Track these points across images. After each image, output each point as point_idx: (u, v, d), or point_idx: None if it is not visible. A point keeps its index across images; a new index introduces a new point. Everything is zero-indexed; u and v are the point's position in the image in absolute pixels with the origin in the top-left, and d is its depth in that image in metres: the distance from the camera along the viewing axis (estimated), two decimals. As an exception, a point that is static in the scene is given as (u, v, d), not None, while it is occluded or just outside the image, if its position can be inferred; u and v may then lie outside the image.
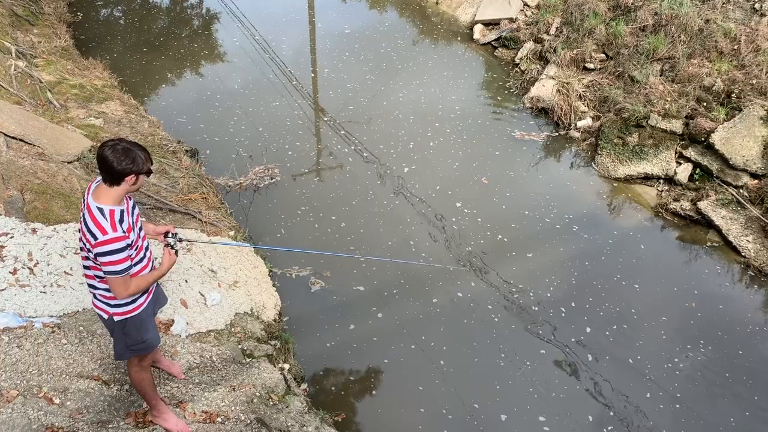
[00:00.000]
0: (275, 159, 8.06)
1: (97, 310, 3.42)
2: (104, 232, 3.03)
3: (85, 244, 3.12)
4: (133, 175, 3.08)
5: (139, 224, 3.36)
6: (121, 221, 3.10)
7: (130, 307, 3.38)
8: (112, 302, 3.33)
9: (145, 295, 3.47)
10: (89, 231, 3.04)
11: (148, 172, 3.18)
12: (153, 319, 3.64)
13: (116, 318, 3.38)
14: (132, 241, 3.18)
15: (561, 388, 5.62)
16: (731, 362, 5.90)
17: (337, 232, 7.10)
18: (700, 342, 6.08)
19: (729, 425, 5.41)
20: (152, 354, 3.75)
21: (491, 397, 5.54)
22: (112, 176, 3.05)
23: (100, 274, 3.20)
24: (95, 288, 3.33)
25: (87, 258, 3.21)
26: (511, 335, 6.07)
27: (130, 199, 3.32)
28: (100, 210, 3.06)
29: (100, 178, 3.12)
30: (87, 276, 3.32)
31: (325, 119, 8.99)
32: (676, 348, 6.02)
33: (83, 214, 3.10)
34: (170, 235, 3.58)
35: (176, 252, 3.55)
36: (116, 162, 3.00)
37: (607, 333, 6.13)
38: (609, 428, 5.33)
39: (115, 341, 3.53)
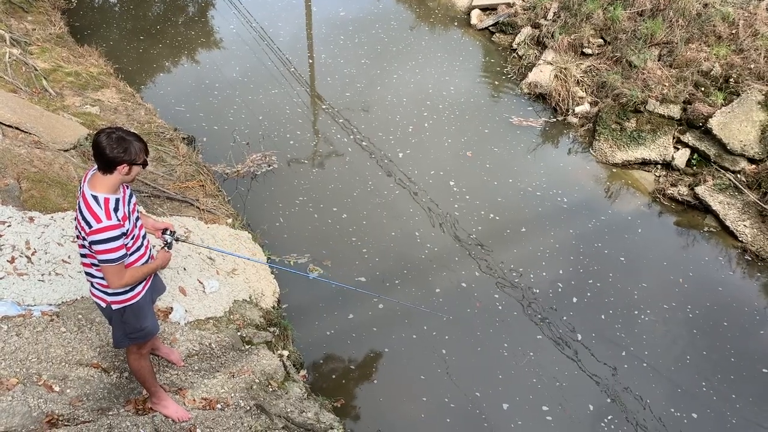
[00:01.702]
0: (274, 147, 8.03)
1: (94, 299, 3.42)
2: (98, 220, 3.02)
3: (80, 233, 3.11)
4: (125, 165, 3.05)
5: (136, 214, 3.35)
6: (116, 210, 3.09)
7: (128, 296, 3.38)
8: (110, 290, 3.32)
9: (143, 283, 3.47)
10: (84, 219, 3.04)
11: (144, 164, 3.15)
12: (151, 307, 3.64)
13: (114, 306, 3.38)
14: (127, 230, 3.17)
15: (563, 376, 5.63)
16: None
17: (338, 222, 7.07)
18: (702, 332, 6.13)
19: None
20: (151, 341, 3.76)
21: (494, 386, 5.55)
22: (104, 163, 3.03)
23: (97, 262, 3.20)
24: (93, 276, 3.32)
25: (83, 246, 3.20)
26: (514, 323, 6.07)
27: (128, 188, 3.31)
28: (95, 198, 3.05)
29: (96, 166, 3.11)
30: (84, 264, 3.31)
31: (324, 107, 8.95)
32: (677, 340, 6.06)
33: (79, 202, 3.09)
34: (168, 232, 3.59)
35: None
36: (108, 149, 2.98)
37: (608, 316, 6.16)
38: (609, 417, 5.36)
39: (113, 329, 3.53)
